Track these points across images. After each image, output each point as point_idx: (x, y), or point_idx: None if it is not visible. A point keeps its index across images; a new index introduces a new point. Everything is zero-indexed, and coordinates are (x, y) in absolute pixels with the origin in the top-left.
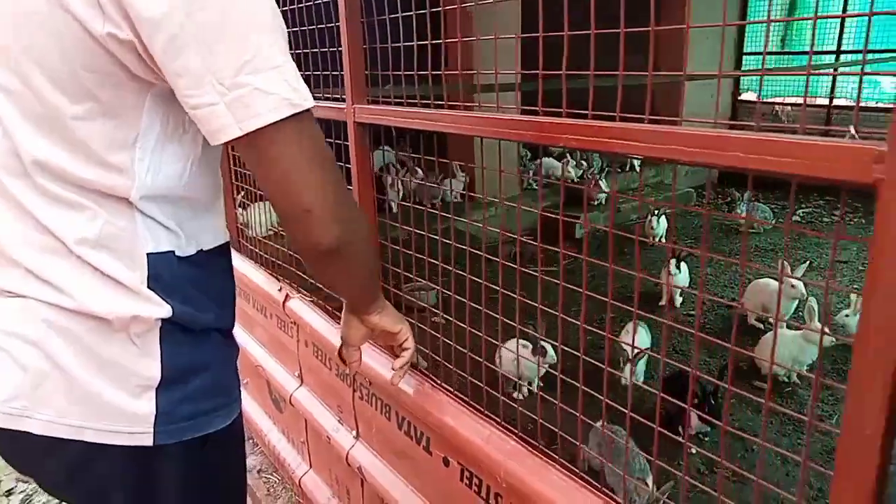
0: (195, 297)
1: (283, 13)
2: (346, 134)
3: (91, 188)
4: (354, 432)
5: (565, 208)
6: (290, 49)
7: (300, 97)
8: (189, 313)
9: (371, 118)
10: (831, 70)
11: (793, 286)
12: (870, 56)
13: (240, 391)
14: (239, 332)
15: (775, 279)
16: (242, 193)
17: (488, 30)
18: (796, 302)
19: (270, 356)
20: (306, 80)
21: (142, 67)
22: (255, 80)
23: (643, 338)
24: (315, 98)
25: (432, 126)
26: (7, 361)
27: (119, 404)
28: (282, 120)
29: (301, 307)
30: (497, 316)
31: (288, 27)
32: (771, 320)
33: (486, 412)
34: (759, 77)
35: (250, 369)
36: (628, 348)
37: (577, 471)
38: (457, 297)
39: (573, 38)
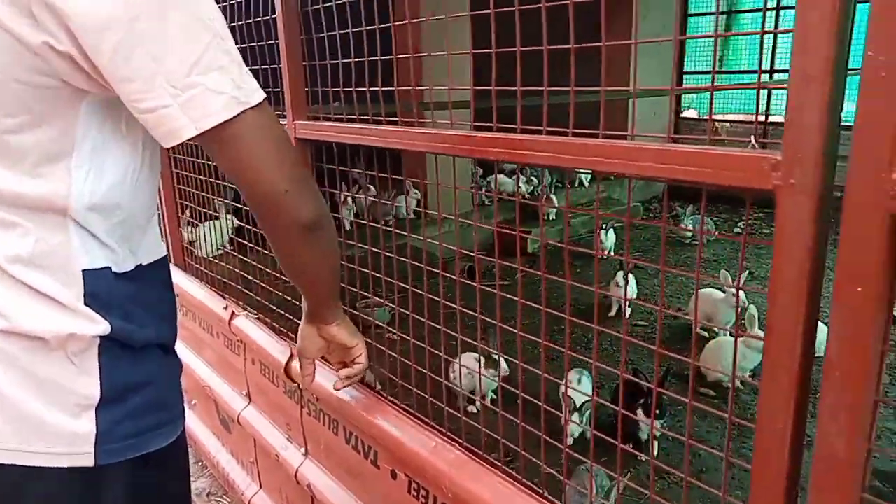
0: (134, 312)
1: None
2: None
3: (23, 204)
4: (303, 449)
5: (518, 224)
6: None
7: (246, 94)
8: (128, 329)
9: (312, 134)
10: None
11: (734, 295)
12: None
13: (183, 407)
14: (186, 352)
15: (718, 289)
16: (188, 212)
17: (438, 46)
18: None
19: (218, 376)
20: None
21: (79, 77)
22: (204, 80)
23: (585, 385)
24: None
25: (375, 142)
26: None
27: (58, 425)
28: (235, 116)
29: (247, 325)
30: (453, 333)
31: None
32: (715, 329)
33: (430, 423)
34: (697, 94)
35: (198, 389)
36: (574, 395)
37: (520, 477)
38: (413, 314)
39: (522, 55)
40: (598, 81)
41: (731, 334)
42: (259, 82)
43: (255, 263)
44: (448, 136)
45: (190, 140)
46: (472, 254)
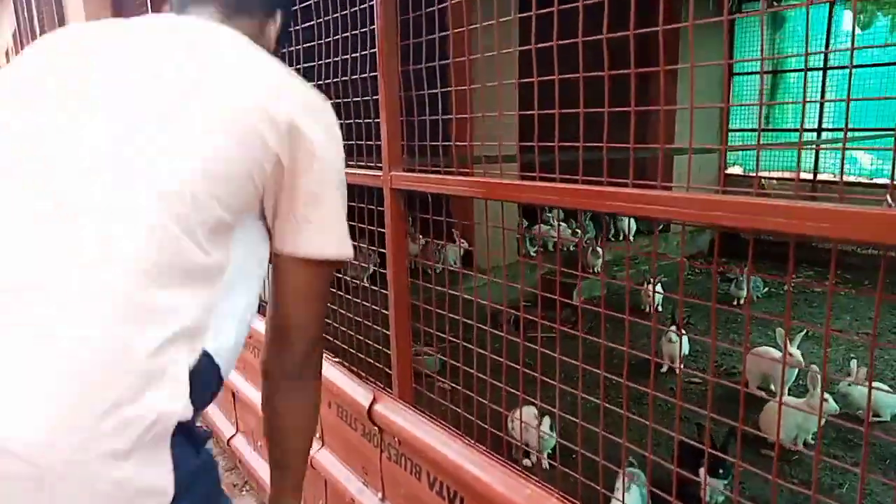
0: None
1: (325, 86)
2: (380, 200)
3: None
4: (380, 494)
5: (562, 275)
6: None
7: (348, 248)
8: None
9: (406, 185)
10: (815, 146)
11: (790, 354)
12: (849, 134)
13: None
14: (255, 393)
15: (773, 347)
16: None
17: (488, 100)
18: (796, 371)
19: None
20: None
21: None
22: (334, 225)
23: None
24: (351, 166)
25: (467, 192)
26: None
27: None
28: (332, 260)
29: (326, 368)
30: (511, 389)
31: (331, 97)
32: (772, 388)
33: (523, 470)
34: (743, 152)
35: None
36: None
37: None
38: (463, 367)
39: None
40: (648, 138)
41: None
42: (353, 136)
43: (333, 307)
44: (536, 187)
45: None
46: (523, 304)
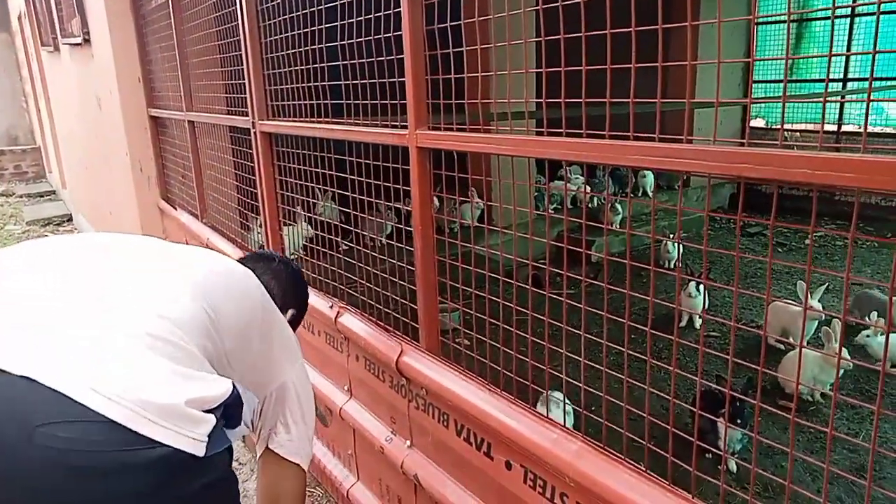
0: None
1: (349, 46)
2: (404, 158)
3: None
4: (408, 442)
5: (580, 233)
6: (355, 79)
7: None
8: None
9: (432, 143)
10: (839, 98)
11: (811, 306)
12: (875, 84)
13: None
14: None
15: (793, 301)
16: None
17: (505, 57)
18: (816, 323)
19: (317, 371)
20: (371, 108)
21: None
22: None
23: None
24: (376, 125)
25: (494, 149)
26: None
27: (193, 414)
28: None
29: (354, 322)
30: (526, 335)
31: (354, 58)
32: (791, 341)
33: (548, 417)
34: (766, 104)
35: None
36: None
37: (646, 470)
38: (488, 319)
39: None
40: (669, 90)
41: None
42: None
43: (357, 263)
44: (560, 142)
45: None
46: (541, 264)
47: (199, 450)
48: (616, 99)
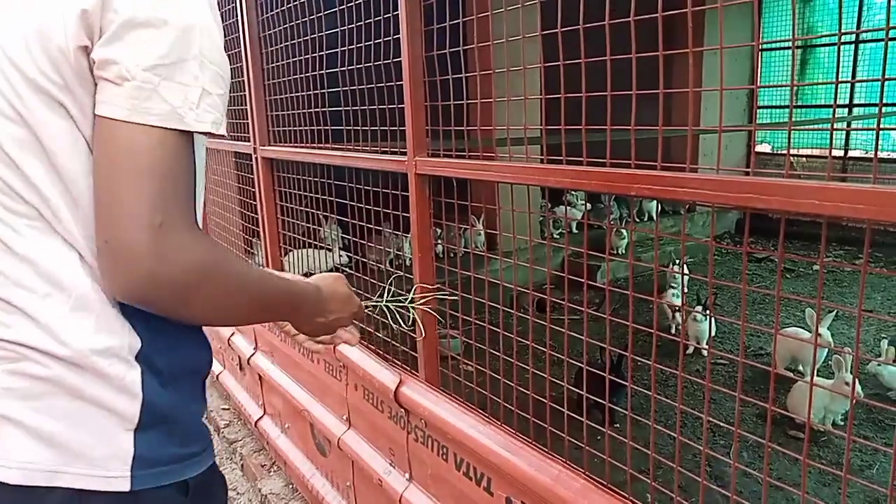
0: (167, 329)
1: (350, 72)
2: (403, 185)
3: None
4: (407, 475)
5: (586, 258)
6: (355, 105)
7: (193, 118)
8: (160, 346)
9: (431, 170)
10: (845, 125)
11: (820, 335)
12: (883, 109)
13: (211, 439)
14: (282, 376)
15: (802, 328)
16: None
17: (511, 83)
18: (825, 351)
19: (315, 400)
20: (372, 134)
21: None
22: (161, 83)
23: None
24: (375, 151)
25: (494, 177)
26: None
27: (97, 446)
28: (162, 128)
29: (353, 351)
30: (527, 367)
31: (354, 84)
32: (801, 369)
33: (550, 451)
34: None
35: (293, 413)
36: None
37: None
38: (488, 349)
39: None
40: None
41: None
42: (378, 122)
43: (357, 291)
44: (564, 170)
45: (109, 119)
46: (547, 288)
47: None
48: (621, 126)
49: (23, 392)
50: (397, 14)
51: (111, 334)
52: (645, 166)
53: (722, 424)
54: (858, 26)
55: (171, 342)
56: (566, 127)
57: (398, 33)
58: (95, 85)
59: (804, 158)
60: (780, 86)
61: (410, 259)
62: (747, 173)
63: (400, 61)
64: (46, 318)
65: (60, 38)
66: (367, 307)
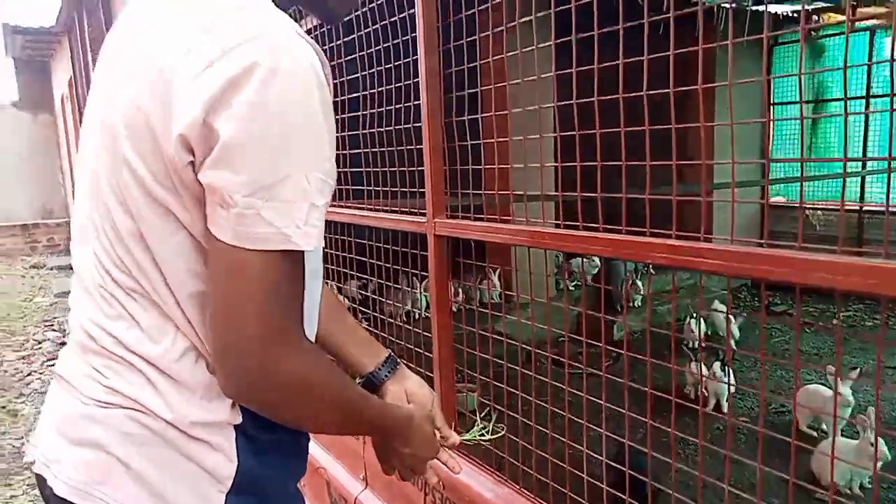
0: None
1: (371, 135)
2: (424, 245)
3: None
4: None
5: (600, 310)
6: (376, 166)
7: (300, 237)
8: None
9: (450, 231)
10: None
11: (840, 393)
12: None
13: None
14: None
15: (824, 385)
16: None
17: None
18: (849, 409)
19: (332, 457)
20: (391, 195)
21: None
22: (264, 206)
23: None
24: (395, 212)
25: (511, 240)
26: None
27: None
28: (269, 251)
29: None
30: (546, 431)
31: (375, 146)
32: (824, 427)
33: None
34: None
35: (309, 471)
36: None
37: None
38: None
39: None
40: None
41: (842, 434)
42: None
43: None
44: (576, 237)
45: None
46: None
47: None
48: (636, 195)
49: (135, 438)
50: (418, 81)
51: (213, 410)
52: (660, 227)
53: (744, 495)
54: (868, 80)
55: (270, 424)
56: (581, 194)
57: (419, 99)
58: (202, 187)
59: (819, 212)
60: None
61: (425, 312)
62: (761, 244)
63: (420, 126)
64: (161, 384)
65: (170, 151)
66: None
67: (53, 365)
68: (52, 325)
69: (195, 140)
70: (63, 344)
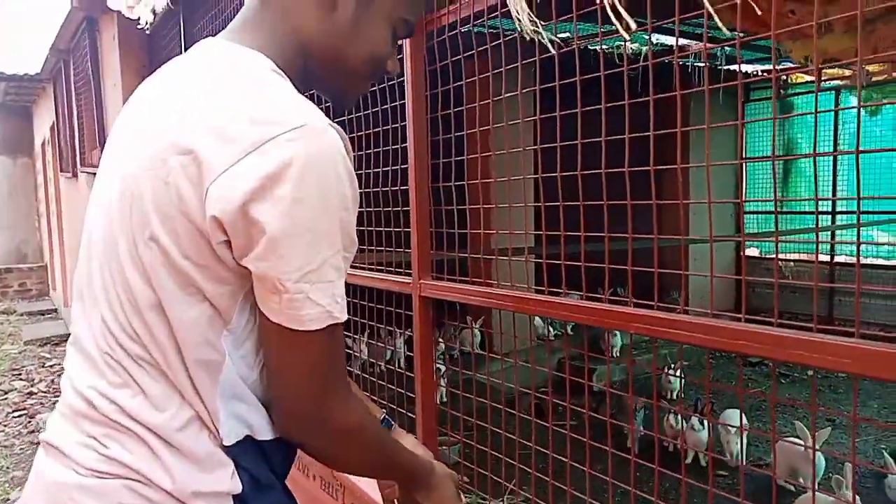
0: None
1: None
2: (409, 305)
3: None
4: None
5: (581, 360)
6: (365, 226)
7: (339, 311)
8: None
9: (435, 293)
10: (829, 232)
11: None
12: (864, 218)
13: None
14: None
15: (798, 438)
16: None
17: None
18: (824, 463)
19: None
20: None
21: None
22: (311, 289)
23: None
24: (380, 271)
25: (495, 304)
26: None
27: None
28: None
29: None
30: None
31: (362, 206)
32: (801, 481)
33: None
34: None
35: None
36: None
37: None
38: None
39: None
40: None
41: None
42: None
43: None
44: (558, 304)
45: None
46: (540, 394)
47: None
48: (617, 265)
49: None
50: (405, 146)
51: (215, 480)
52: (643, 305)
53: None
54: (836, 134)
55: (266, 492)
56: (567, 263)
57: (406, 163)
58: (238, 264)
59: (792, 263)
60: (765, 209)
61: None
62: (739, 318)
63: (407, 189)
64: (164, 453)
65: (203, 227)
66: None
67: (19, 416)
68: (21, 374)
69: (230, 224)
70: (31, 394)
